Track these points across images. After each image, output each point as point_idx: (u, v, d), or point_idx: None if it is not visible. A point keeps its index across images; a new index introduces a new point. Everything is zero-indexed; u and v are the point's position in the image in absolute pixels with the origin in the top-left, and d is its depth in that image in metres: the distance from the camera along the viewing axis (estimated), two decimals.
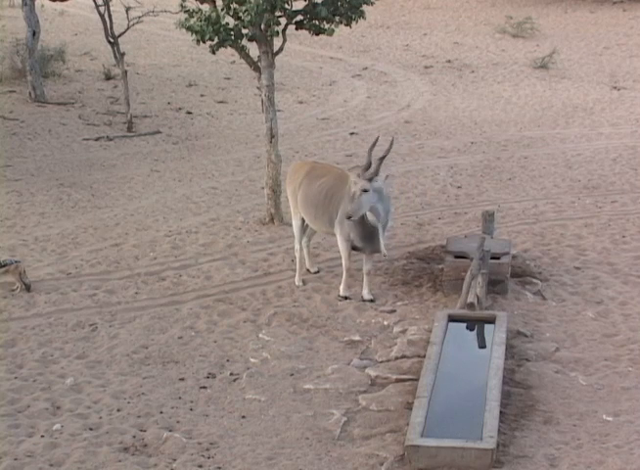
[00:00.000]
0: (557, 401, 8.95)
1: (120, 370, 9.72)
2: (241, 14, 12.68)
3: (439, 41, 29.00)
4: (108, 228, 13.83)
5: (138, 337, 10.43)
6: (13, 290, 11.53)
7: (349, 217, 10.61)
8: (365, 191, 10.51)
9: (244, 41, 13.26)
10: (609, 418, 8.67)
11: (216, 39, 12.94)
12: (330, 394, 9.20)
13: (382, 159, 10.61)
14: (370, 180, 10.51)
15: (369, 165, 10.61)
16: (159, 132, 19.38)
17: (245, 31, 13.09)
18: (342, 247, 11.28)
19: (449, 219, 14.16)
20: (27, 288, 11.53)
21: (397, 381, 9.34)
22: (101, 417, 8.82)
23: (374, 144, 10.88)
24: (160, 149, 18.28)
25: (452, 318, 10.18)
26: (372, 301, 11.18)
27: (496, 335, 9.72)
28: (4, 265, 11.60)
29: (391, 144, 10.79)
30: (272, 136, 13.65)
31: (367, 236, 10.98)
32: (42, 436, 8.51)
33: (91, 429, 8.62)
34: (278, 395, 9.22)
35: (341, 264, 12.37)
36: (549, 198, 15.14)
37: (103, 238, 13.40)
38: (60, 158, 17.52)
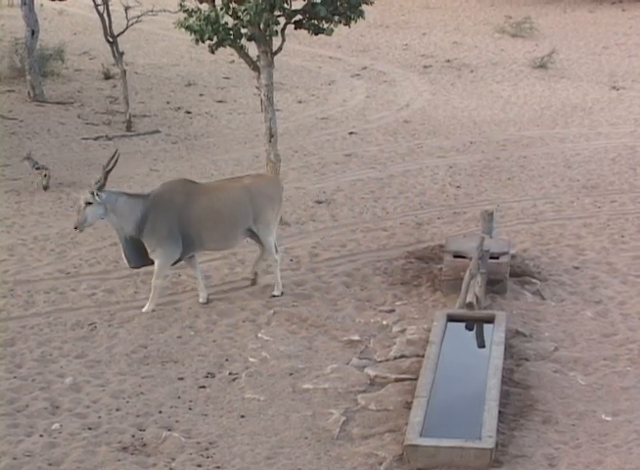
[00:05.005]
0: (556, 401, 8.95)
1: (119, 370, 9.71)
2: (240, 13, 12.68)
3: (439, 41, 29.00)
4: (107, 227, 13.74)
5: (137, 336, 10.43)
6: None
7: (76, 228, 10.93)
8: (89, 203, 10.65)
9: (243, 41, 13.26)
10: (608, 418, 8.67)
11: (215, 39, 12.94)
12: (329, 393, 9.20)
13: (108, 171, 10.73)
14: (93, 193, 10.63)
15: (100, 178, 10.71)
16: (157, 132, 19.38)
17: (244, 31, 13.09)
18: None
19: (448, 219, 14.16)
20: (45, 188, 15.34)
21: (396, 380, 9.33)
22: (100, 417, 8.82)
23: (111, 158, 10.83)
24: (159, 148, 18.28)
25: (451, 318, 10.17)
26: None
27: (495, 335, 9.72)
28: (39, 168, 15.43)
29: (116, 156, 10.83)
30: (271, 136, 13.64)
31: (126, 249, 11.01)
32: (41, 435, 8.50)
33: (90, 428, 8.62)
34: (277, 394, 9.22)
35: (339, 265, 12.42)
36: (548, 197, 15.14)
37: (102, 237, 13.39)
38: (59, 157, 17.51)
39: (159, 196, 11.05)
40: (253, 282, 11.71)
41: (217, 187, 11.43)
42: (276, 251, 11.53)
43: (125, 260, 11.13)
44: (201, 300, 11.19)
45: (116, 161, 10.84)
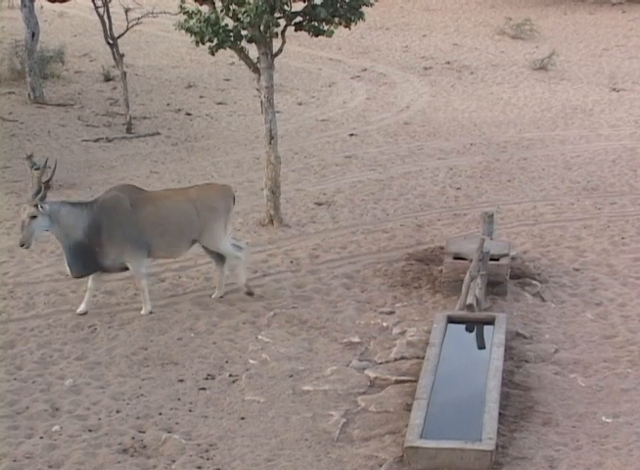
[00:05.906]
0: (556, 403, 8.95)
1: (120, 371, 9.71)
2: (240, 15, 12.69)
3: (439, 43, 29.01)
4: None
5: (137, 338, 10.42)
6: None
7: (22, 245, 10.68)
8: (33, 217, 10.48)
9: (243, 42, 13.26)
10: (608, 420, 8.67)
11: (215, 40, 12.94)
12: (329, 395, 9.20)
13: (47, 182, 10.56)
14: (37, 206, 10.46)
15: (39, 190, 10.52)
16: (158, 134, 19.38)
17: (244, 33, 13.09)
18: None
19: (448, 221, 14.16)
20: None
21: (396, 382, 9.33)
22: (100, 418, 8.81)
23: (44, 166, 10.70)
24: (159, 150, 18.28)
25: (451, 320, 10.17)
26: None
27: (495, 336, 9.72)
28: (38, 168, 13.42)
29: (52, 166, 10.74)
30: (271, 137, 13.64)
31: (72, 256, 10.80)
32: (41, 437, 8.50)
33: (90, 430, 8.62)
34: (277, 396, 9.21)
35: (339, 266, 12.43)
36: (548, 199, 15.14)
37: None
38: (59, 159, 17.38)
39: (106, 201, 10.90)
40: (250, 293, 11.40)
41: (163, 196, 11.27)
42: (240, 249, 11.30)
43: (68, 270, 10.93)
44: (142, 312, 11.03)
45: (54, 170, 10.75)
